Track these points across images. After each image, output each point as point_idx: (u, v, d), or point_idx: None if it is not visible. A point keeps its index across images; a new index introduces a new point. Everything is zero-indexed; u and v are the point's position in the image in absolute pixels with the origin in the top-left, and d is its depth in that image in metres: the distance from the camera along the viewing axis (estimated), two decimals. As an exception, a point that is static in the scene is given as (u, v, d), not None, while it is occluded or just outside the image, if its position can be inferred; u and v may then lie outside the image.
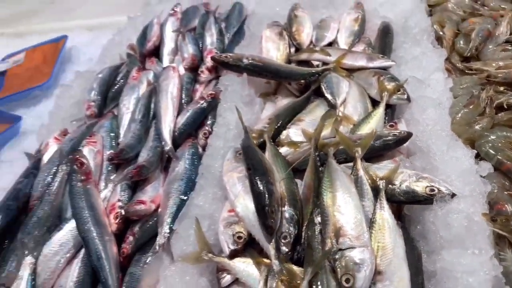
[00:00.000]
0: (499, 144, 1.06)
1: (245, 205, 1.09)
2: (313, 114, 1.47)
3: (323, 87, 1.54)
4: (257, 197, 1.06)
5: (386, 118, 1.37)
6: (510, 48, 1.46)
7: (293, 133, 1.40)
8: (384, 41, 1.75)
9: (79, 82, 1.72)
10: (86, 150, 1.33)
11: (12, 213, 1.26)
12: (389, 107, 1.41)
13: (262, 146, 1.29)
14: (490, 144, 1.07)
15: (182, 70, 1.73)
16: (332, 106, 1.47)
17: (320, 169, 1.17)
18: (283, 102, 1.59)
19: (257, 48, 1.77)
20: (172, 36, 1.92)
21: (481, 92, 1.19)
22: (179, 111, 1.50)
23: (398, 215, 1.11)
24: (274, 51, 1.75)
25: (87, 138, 1.38)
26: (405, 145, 1.22)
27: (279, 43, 1.78)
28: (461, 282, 0.85)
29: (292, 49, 1.85)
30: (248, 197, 1.10)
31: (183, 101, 1.56)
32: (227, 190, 1.15)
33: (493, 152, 1.05)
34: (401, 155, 1.21)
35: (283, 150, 1.34)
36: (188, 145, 1.37)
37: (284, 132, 1.41)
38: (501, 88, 1.28)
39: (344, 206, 1.02)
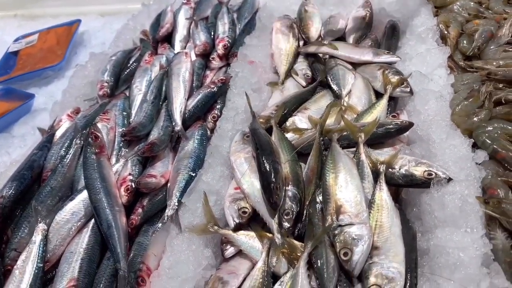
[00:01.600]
0: (496, 135, 1.11)
1: (251, 182, 1.15)
2: (319, 104, 1.52)
3: (329, 78, 1.60)
4: (263, 174, 1.11)
5: (389, 109, 1.43)
6: (511, 49, 1.51)
7: (299, 120, 1.45)
8: (391, 39, 1.81)
9: (93, 63, 1.77)
10: (99, 126, 1.38)
11: (26, 182, 1.31)
12: (392, 100, 1.46)
13: (269, 131, 1.35)
14: (487, 134, 1.12)
15: (193, 57, 1.78)
16: (338, 97, 1.53)
17: (324, 153, 1.22)
18: (290, 91, 1.64)
19: (267, 39, 1.82)
20: (185, 24, 1.97)
21: (482, 86, 1.24)
22: (190, 94, 1.55)
23: (396, 198, 1.16)
24: (284, 43, 1.80)
25: (101, 115, 1.43)
26: (405, 134, 1.28)
27: (289, 35, 1.83)
28: (452, 257, 0.90)
29: (301, 43, 1.92)
30: (254, 175, 1.15)
31: (194, 85, 1.61)
32: (234, 168, 1.21)
33: (489, 142, 1.10)
34: (402, 143, 1.27)
35: (289, 135, 1.39)
36: (197, 126, 1.42)
37: (290, 119, 1.46)
38: (500, 85, 1.33)
39: (345, 186, 1.07)
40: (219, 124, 1.38)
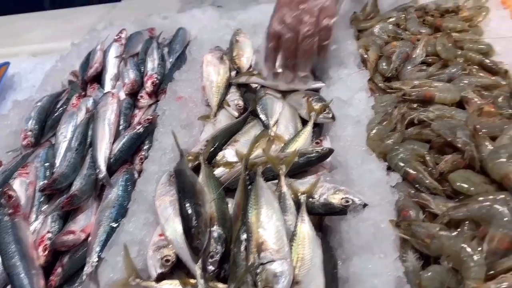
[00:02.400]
0: (407, 156, 1.16)
1: (174, 228, 1.13)
2: (248, 135, 1.54)
3: (258, 108, 1.62)
4: (185, 219, 1.10)
5: (314, 136, 1.47)
6: (424, 68, 1.59)
7: (229, 153, 1.46)
8: (318, 64, 1.87)
9: (16, 111, 1.71)
10: (17, 182, 1.31)
11: None
12: (317, 126, 1.50)
13: (198, 168, 1.35)
14: (399, 157, 1.16)
15: (123, 96, 1.77)
16: (266, 127, 1.55)
17: (250, 187, 1.23)
18: (223, 124, 1.66)
19: (198, 73, 1.84)
20: (115, 62, 1.95)
21: (394, 109, 1.30)
22: (116, 137, 1.52)
23: (320, 226, 1.18)
24: (214, 75, 1.82)
25: (20, 169, 1.37)
26: (328, 160, 1.31)
27: (220, 67, 1.86)
28: (368, 284, 0.92)
29: (234, 73, 1.94)
30: (177, 220, 1.14)
31: (121, 127, 1.59)
32: (158, 214, 1.19)
33: (401, 164, 1.14)
34: (324, 170, 1.30)
35: (219, 170, 1.40)
36: (123, 171, 1.39)
37: (221, 153, 1.47)
38: (415, 105, 1.40)
39: (267, 221, 1.08)
40: (144, 166, 1.36)
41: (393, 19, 1.93)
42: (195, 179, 1.25)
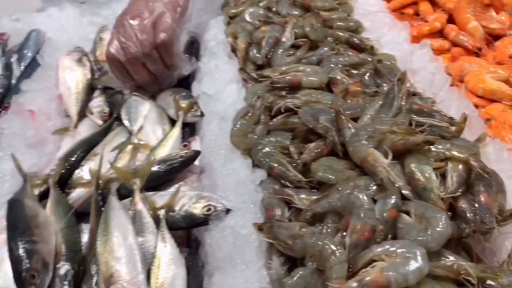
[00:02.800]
0: (271, 150, 1.07)
1: (6, 272, 0.94)
2: (111, 146, 1.35)
3: (122, 113, 1.45)
4: (13, 262, 0.91)
5: (184, 137, 1.34)
6: (294, 51, 1.53)
7: (88, 171, 1.27)
8: (189, 55, 1.74)
9: None
10: None
11: None
12: (188, 126, 1.37)
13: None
14: (263, 151, 1.07)
15: (-41, 117, 1.49)
16: (131, 133, 1.39)
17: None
18: (84, 135, 1.46)
19: (52, 79, 1.61)
20: None
21: (257, 100, 1.21)
22: None
23: (188, 241, 1.06)
24: (72, 80, 1.61)
25: None
26: (197, 164, 1.19)
27: (79, 70, 1.64)
28: (227, 304, 0.82)
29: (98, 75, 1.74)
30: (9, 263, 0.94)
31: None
32: (-10, 257, 0.98)
33: (264, 159, 1.05)
34: (193, 175, 1.17)
35: (77, 192, 1.21)
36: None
37: (77, 172, 1.27)
38: (283, 93, 1.32)
39: (117, 249, 0.93)
40: (-22, 201, 1.13)
41: (264, 2, 1.85)
42: (35, 209, 1.05)
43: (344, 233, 0.85)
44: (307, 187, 0.99)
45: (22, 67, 1.70)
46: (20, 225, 0.98)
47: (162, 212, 1.01)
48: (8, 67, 1.65)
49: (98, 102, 1.58)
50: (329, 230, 0.87)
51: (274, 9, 1.83)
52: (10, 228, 0.97)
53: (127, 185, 1.05)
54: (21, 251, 0.92)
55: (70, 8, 2.02)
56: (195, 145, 1.27)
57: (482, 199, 0.86)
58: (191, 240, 1.06)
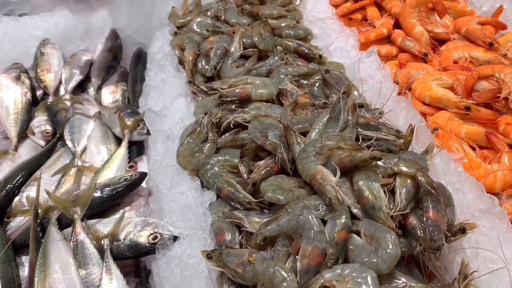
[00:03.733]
0: (220, 169, 1.03)
1: None
2: (54, 169, 1.28)
3: (65, 133, 1.38)
4: None
5: (131, 157, 1.28)
6: (243, 62, 1.49)
7: (26, 199, 1.19)
8: (136, 70, 1.68)
9: None
10: None
11: None
12: (134, 144, 1.32)
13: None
14: (211, 172, 1.03)
15: None
16: (74, 155, 1.31)
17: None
18: (25, 158, 1.37)
19: (-12, 100, 1.50)
20: None
21: (204, 117, 1.16)
22: None
23: (136, 270, 1.01)
24: (10, 99, 1.52)
25: None
26: (144, 185, 1.14)
27: (17, 88, 1.55)
28: None
29: (39, 92, 1.65)
30: None
31: None
32: None
33: (213, 180, 1.01)
34: (140, 198, 1.12)
35: (17, 221, 1.14)
36: None
37: (17, 199, 1.19)
38: (233, 106, 1.28)
39: (57, 285, 0.87)
40: None
41: (212, 11, 1.80)
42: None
43: (296, 257, 0.82)
44: (257, 209, 0.96)
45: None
46: None
47: (106, 242, 0.95)
48: None
49: (39, 122, 1.49)
50: (280, 254, 0.85)
51: (222, 17, 1.79)
52: None
53: (67, 214, 0.99)
54: None
55: (8, 21, 1.90)
56: (142, 165, 1.22)
57: (431, 215, 0.85)
58: (140, 269, 1.01)
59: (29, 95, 1.55)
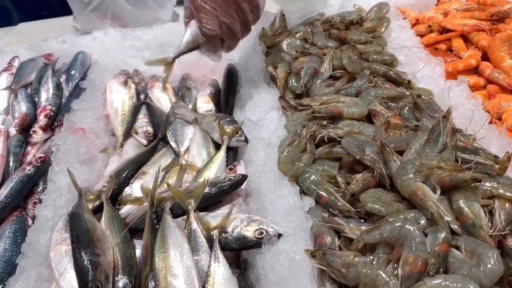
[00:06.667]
0: (318, 178, 1.12)
1: (71, 283, 0.99)
2: (158, 165, 1.42)
3: (168, 135, 1.53)
4: (79, 273, 0.97)
5: (228, 161, 1.40)
6: (332, 83, 1.59)
7: (137, 188, 1.33)
8: (229, 83, 1.81)
9: None
10: None
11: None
12: (231, 150, 1.43)
13: (102, 209, 1.21)
14: (310, 179, 1.12)
15: (14, 132, 1.57)
16: (177, 154, 1.45)
17: (158, 226, 1.12)
18: (130, 154, 1.53)
19: (100, 100, 1.69)
20: (5, 94, 1.74)
21: (303, 129, 1.26)
22: (5, 180, 1.33)
23: (237, 262, 1.11)
24: (119, 102, 1.69)
25: None
26: (243, 187, 1.25)
27: (124, 93, 1.73)
28: (285, 325, 0.86)
29: (142, 96, 1.82)
30: (74, 273, 1.00)
31: (10, 168, 1.40)
32: (52, 267, 1.04)
33: (313, 187, 1.10)
34: (239, 198, 1.23)
35: (126, 208, 1.28)
36: (11, 219, 1.22)
37: (127, 189, 1.34)
38: (325, 122, 1.38)
39: (175, 266, 0.98)
40: (37, 212, 1.19)
41: (300, 33, 1.92)
42: (94, 223, 1.11)
43: (396, 265, 0.89)
44: (356, 217, 1.03)
45: (70, 87, 1.80)
46: (83, 238, 1.04)
47: (215, 233, 1.06)
48: (58, 86, 1.73)
49: (142, 123, 1.66)
50: (380, 260, 0.91)
51: (310, 40, 1.90)
52: (74, 240, 1.03)
53: (182, 205, 1.11)
54: (85, 263, 0.97)
55: (113, 32, 2.13)
56: (240, 169, 1.32)
57: None
58: (240, 261, 1.10)
59: (135, 99, 1.71)
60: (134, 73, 1.90)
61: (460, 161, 1.04)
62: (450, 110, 1.12)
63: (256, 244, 1.03)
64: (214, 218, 1.11)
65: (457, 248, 0.89)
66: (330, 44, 1.82)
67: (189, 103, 1.75)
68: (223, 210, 1.17)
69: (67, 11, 2.35)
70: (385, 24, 1.94)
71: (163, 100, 1.78)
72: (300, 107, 1.52)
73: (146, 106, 1.74)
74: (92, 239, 1.04)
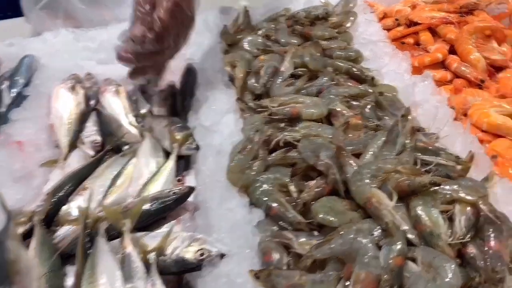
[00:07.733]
0: (270, 188, 1.02)
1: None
2: (102, 179, 1.30)
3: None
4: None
5: (179, 171, 1.28)
6: (293, 81, 1.49)
7: (76, 206, 1.21)
8: (186, 85, 1.70)
9: None
10: None
11: None
12: (182, 158, 1.32)
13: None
14: (260, 189, 1.01)
15: None
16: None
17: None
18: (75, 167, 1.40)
19: (44, 108, 1.56)
20: None
21: (255, 134, 1.16)
22: None
23: (179, 285, 0.99)
24: (64, 110, 1.56)
25: None
26: (191, 200, 1.13)
27: (72, 98, 1.59)
28: None
29: (92, 102, 1.69)
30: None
31: None
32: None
33: (263, 198, 1.00)
34: (186, 213, 1.11)
35: (64, 230, 1.14)
36: None
37: (65, 207, 1.21)
38: (282, 125, 1.27)
39: (103, 299, 0.87)
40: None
41: (263, 30, 1.82)
42: (18, 253, 0.98)
43: (347, 283, 0.79)
44: (307, 230, 0.93)
45: (13, 94, 1.66)
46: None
47: (152, 256, 0.94)
48: (-2, 95, 1.60)
49: (90, 132, 1.52)
50: (330, 278, 0.81)
51: (273, 37, 1.79)
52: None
53: (116, 226, 0.99)
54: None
55: (65, 33, 1.98)
56: (190, 179, 1.21)
57: (493, 245, 0.81)
58: (183, 285, 0.99)
59: (82, 105, 1.58)
60: (86, 77, 1.76)
61: (419, 164, 0.94)
62: (409, 108, 1.02)
63: (197, 266, 0.92)
64: (152, 238, 0.99)
65: (414, 260, 0.79)
66: (293, 41, 1.72)
67: (143, 107, 1.62)
68: (165, 228, 1.05)
69: (18, 13, 2.19)
70: (352, 18, 1.86)
71: (115, 105, 1.64)
72: (258, 109, 1.41)
73: (96, 113, 1.61)
74: (9, 273, 0.91)
